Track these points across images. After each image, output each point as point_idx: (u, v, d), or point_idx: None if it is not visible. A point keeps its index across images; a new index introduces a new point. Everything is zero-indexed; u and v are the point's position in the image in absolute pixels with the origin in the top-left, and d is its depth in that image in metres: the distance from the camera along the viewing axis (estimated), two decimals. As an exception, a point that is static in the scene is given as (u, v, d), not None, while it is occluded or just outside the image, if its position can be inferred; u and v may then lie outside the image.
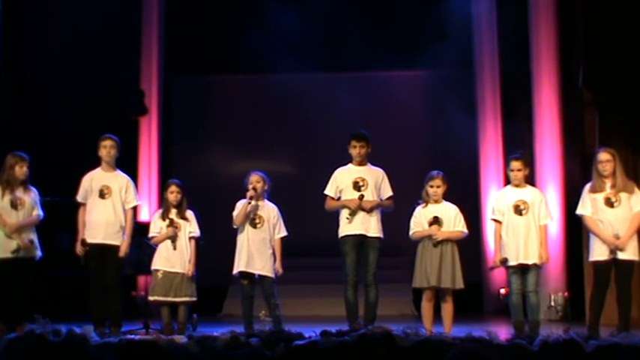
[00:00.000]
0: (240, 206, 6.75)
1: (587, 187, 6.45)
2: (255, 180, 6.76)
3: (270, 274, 6.70)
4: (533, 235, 6.38)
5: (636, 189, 6.38)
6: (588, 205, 6.39)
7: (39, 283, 6.81)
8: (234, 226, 6.79)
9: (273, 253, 6.77)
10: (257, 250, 6.69)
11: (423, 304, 6.46)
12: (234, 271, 6.75)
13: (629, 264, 6.30)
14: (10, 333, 4.84)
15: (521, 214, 6.42)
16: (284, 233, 6.83)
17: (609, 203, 6.32)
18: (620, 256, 6.24)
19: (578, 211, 6.47)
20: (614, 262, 6.28)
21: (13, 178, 6.68)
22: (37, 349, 3.50)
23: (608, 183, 6.35)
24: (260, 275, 6.71)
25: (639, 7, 8.15)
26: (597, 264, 6.34)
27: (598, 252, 6.32)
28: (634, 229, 6.29)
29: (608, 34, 8.26)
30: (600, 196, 6.35)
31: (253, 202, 6.71)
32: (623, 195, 6.31)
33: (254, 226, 6.73)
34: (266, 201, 6.84)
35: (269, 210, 6.80)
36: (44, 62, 10.05)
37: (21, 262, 6.63)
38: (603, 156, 6.37)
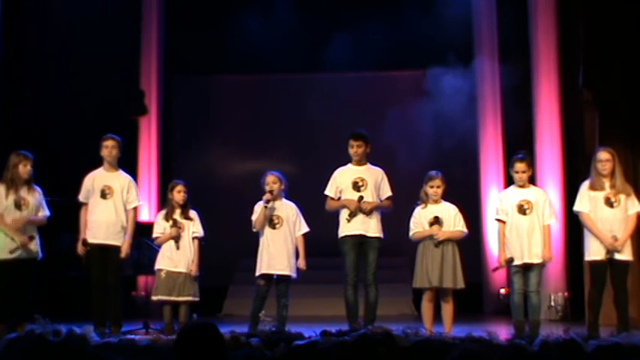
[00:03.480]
0: (258, 209, 6.73)
1: (586, 184, 6.46)
2: (272, 181, 6.73)
3: (290, 273, 6.66)
4: (536, 235, 6.39)
5: (632, 192, 6.42)
6: (587, 202, 6.40)
7: (40, 283, 6.81)
8: (254, 230, 6.76)
9: (296, 251, 6.75)
10: (278, 250, 6.65)
11: (424, 304, 6.46)
12: (257, 274, 6.69)
13: (624, 264, 6.33)
14: (10, 333, 4.85)
15: (525, 213, 6.43)
16: (305, 229, 6.80)
17: (609, 203, 6.33)
18: (617, 256, 6.27)
19: (576, 208, 6.47)
20: (609, 262, 6.30)
21: (17, 177, 6.67)
22: (37, 349, 3.50)
23: (607, 182, 6.37)
24: (279, 275, 6.69)
25: (639, 8, 8.14)
26: (594, 263, 6.35)
27: (595, 251, 6.33)
28: (630, 231, 6.33)
29: (609, 34, 8.26)
30: (600, 195, 6.36)
31: (270, 205, 6.69)
32: (621, 196, 6.33)
33: (273, 226, 6.70)
34: (283, 200, 6.81)
35: (287, 208, 6.77)
36: (44, 62, 10.05)
37: (23, 262, 6.62)
38: (603, 155, 6.38)
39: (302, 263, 6.72)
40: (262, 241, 6.72)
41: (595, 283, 6.35)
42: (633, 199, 6.38)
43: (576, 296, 8.68)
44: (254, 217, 6.74)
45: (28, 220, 6.67)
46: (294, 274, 6.70)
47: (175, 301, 6.84)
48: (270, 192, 6.67)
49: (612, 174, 6.35)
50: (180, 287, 6.82)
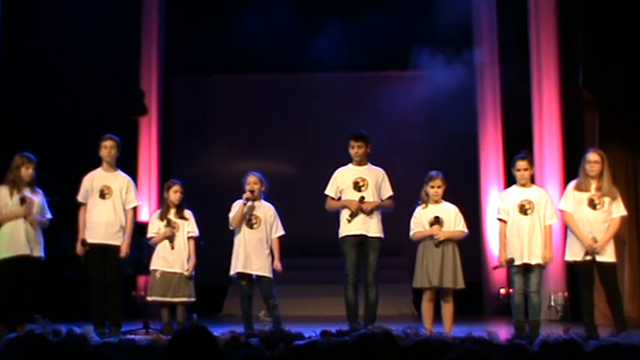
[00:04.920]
0: (237, 207, 6.75)
1: (573, 183, 6.50)
2: (253, 181, 6.76)
3: (267, 274, 6.69)
4: (537, 235, 6.40)
5: (619, 196, 6.44)
6: (571, 202, 6.43)
7: (40, 283, 6.81)
8: (231, 228, 6.79)
9: (271, 253, 6.77)
10: (254, 250, 6.68)
11: (424, 304, 6.46)
12: (232, 272, 6.74)
13: (609, 266, 6.35)
14: (10, 333, 4.85)
15: (526, 213, 6.43)
16: (281, 232, 6.83)
17: (592, 205, 6.35)
18: (599, 258, 6.29)
19: (560, 206, 6.52)
20: (595, 264, 6.31)
21: (19, 179, 6.69)
22: (37, 349, 3.50)
23: (594, 184, 6.38)
24: (258, 275, 6.70)
25: (639, 8, 8.14)
26: (575, 264, 6.39)
27: (574, 251, 6.37)
28: (611, 234, 6.35)
29: (609, 34, 8.25)
30: (584, 196, 6.38)
31: (249, 204, 6.70)
32: (606, 199, 6.34)
33: (250, 226, 6.72)
34: (262, 201, 6.84)
35: (265, 210, 6.80)
36: (44, 62, 10.04)
37: (26, 262, 6.63)
38: (592, 156, 6.39)
39: (278, 265, 6.74)
40: (239, 239, 6.73)
41: (582, 283, 6.37)
42: (619, 202, 6.40)
43: (576, 296, 8.63)
44: (231, 215, 6.75)
45: (38, 219, 6.68)
46: (271, 275, 6.71)
47: (170, 302, 6.84)
48: (251, 191, 6.69)
49: (600, 176, 6.36)
50: (175, 288, 6.82)
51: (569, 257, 6.43)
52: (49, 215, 6.87)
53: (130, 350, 4.16)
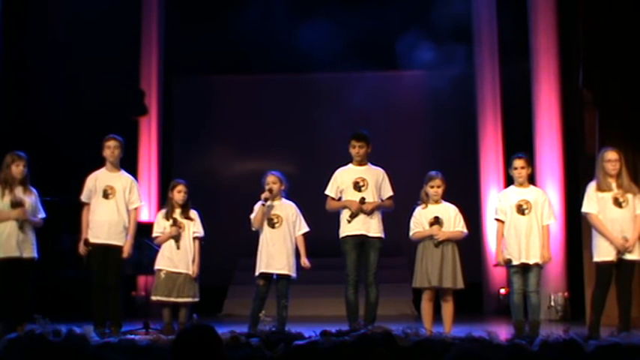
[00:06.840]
0: (257, 208, 6.74)
1: (593, 185, 6.43)
2: (272, 181, 6.73)
3: (289, 272, 6.65)
4: (535, 235, 6.37)
5: (639, 191, 6.39)
6: (595, 204, 6.36)
7: (39, 283, 6.80)
8: (253, 229, 6.77)
9: (296, 251, 6.75)
10: (277, 249, 6.65)
11: (423, 304, 6.46)
12: (256, 273, 6.69)
13: (632, 264, 6.31)
14: (10, 333, 4.85)
15: (523, 213, 6.41)
16: (305, 229, 6.79)
17: (617, 203, 6.31)
18: (628, 256, 6.25)
19: (584, 209, 6.43)
20: (617, 263, 6.28)
21: (11, 177, 6.65)
22: (37, 349, 3.51)
23: (614, 183, 6.35)
24: (278, 275, 6.69)
25: (639, 8, 8.14)
26: (602, 264, 6.32)
27: (604, 252, 6.30)
28: (639, 230, 6.29)
29: (608, 35, 8.25)
30: (608, 196, 6.33)
31: (268, 204, 6.69)
32: (629, 196, 6.32)
33: (272, 225, 6.69)
34: (283, 199, 6.81)
35: (287, 208, 6.77)
36: (45, 63, 10.06)
37: (22, 262, 6.61)
38: (612, 155, 6.36)
39: (305, 262, 6.71)
40: (262, 240, 6.72)
41: (601, 284, 6.31)
42: None
43: (576, 296, 8.68)
44: (252, 216, 6.75)
45: (29, 219, 6.67)
46: (293, 274, 6.69)
47: (174, 302, 6.83)
48: (270, 191, 6.68)
49: (619, 174, 6.34)
50: (180, 288, 6.80)
51: (597, 258, 6.35)
52: (42, 215, 6.82)
53: (130, 350, 4.15)
